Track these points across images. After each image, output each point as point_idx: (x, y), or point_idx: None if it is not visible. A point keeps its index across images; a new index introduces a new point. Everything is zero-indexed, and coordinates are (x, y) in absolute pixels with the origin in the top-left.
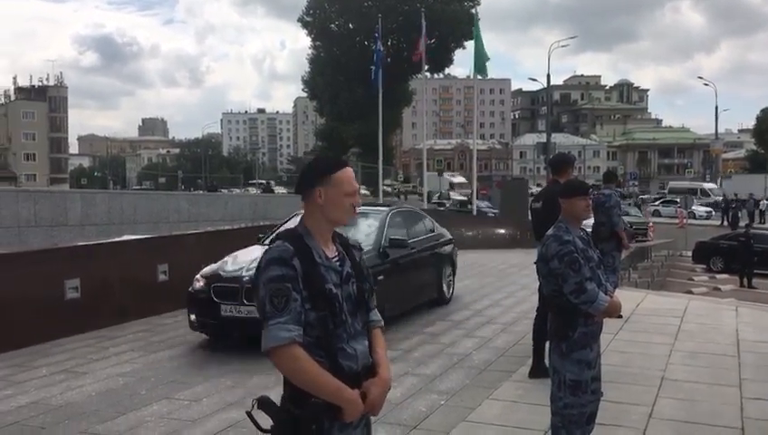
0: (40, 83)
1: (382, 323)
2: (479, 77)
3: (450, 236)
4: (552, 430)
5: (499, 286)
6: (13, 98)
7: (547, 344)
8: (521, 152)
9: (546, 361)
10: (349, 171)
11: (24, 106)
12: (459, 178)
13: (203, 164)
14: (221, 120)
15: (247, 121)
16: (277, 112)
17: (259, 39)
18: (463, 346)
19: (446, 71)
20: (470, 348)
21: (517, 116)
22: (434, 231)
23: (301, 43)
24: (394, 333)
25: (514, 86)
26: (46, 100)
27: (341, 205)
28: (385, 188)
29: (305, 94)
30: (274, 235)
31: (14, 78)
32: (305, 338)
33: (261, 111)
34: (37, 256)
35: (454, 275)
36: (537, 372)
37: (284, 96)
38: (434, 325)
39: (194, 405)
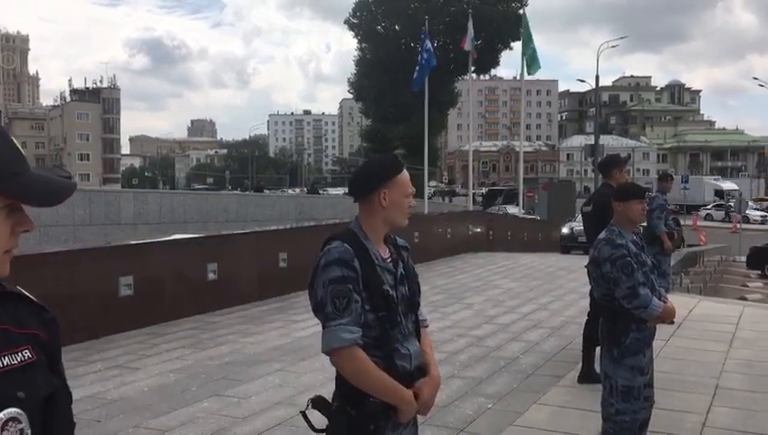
0: (94, 85)
1: (428, 322)
2: (528, 76)
3: None
4: None
5: (546, 290)
6: (68, 99)
7: (598, 349)
8: (568, 154)
9: (596, 366)
10: (407, 173)
11: (78, 107)
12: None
13: (250, 165)
14: (267, 122)
15: (293, 123)
16: (323, 114)
17: (305, 41)
18: (510, 350)
19: (493, 72)
20: (517, 352)
21: (564, 117)
22: None
23: (346, 44)
24: (439, 334)
25: (561, 87)
26: (100, 101)
27: (402, 206)
28: (430, 190)
29: (351, 96)
30: (331, 235)
31: (70, 80)
32: (364, 339)
33: (307, 112)
34: (93, 254)
35: None
36: (586, 377)
37: (330, 98)
38: (480, 328)
39: (243, 403)
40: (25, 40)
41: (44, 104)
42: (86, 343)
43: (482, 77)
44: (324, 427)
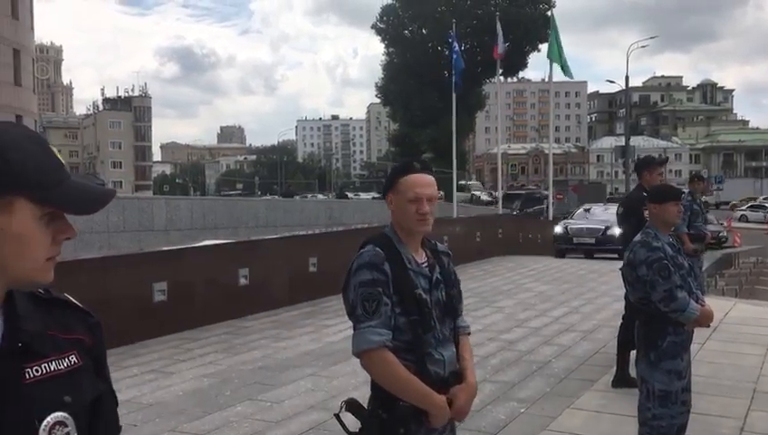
0: (125, 94)
1: (470, 329)
2: (563, 78)
3: None
4: None
5: (578, 293)
6: (101, 108)
7: (633, 353)
8: (598, 156)
9: (631, 370)
10: (412, 177)
11: (110, 116)
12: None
13: (278, 170)
14: (296, 127)
15: (321, 128)
16: (350, 119)
17: (332, 47)
18: (542, 354)
19: (520, 74)
20: (549, 356)
21: (594, 119)
22: None
23: (373, 49)
24: (470, 338)
25: (590, 88)
26: (131, 110)
27: (407, 212)
28: (459, 193)
29: (378, 100)
30: (365, 239)
31: (102, 89)
32: (394, 342)
33: (335, 117)
34: (128, 261)
35: None
36: (621, 381)
37: (357, 103)
38: (511, 332)
39: (276, 407)
40: (59, 51)
41: (78, 113)
42: (121, 348)
43: (510, 79)
44: (357, 430)
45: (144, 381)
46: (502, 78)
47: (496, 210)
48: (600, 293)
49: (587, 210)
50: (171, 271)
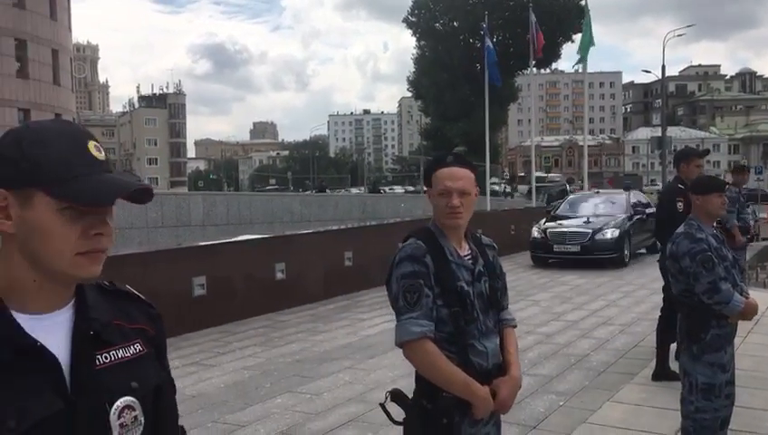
0: (160, 92)
1: (515, 322)
2: (579, 69)
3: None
4: (683, 434)
5: (615, 286)
6: (136, 106)
7: (673, 346)
8: (633, 147)
9: (670, 363)
10: (444, 170)
11: (146, 113)
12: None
13: (311, 165)
14: (327, 122)
15: (353, 123)
16: (382, 113)
17: (362, 41)
18: (580, 347)
19: (554, 65)
20: (587, 349)
21: (629, 110)
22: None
23: (404, 43)
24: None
25: (625, 79)
26: (166, 107)
27: (439, 205)
28: (492, 187)
29: (410, 94)
30: (408, 233)
31: (138, 87)
32: (437, 334)
33: (366, 111)
34: (168, 256)
35: None
36: (661, 374)
37: (388, 97)
38: (548, 325)
39: (315, 399)
40: (95, 49)
41: (114, 111)
42: None
43: (542, 71)
44: (402, 419)
45: (186, 373)
46: (535, 69)
47: (530, 203)
48: (637, 285)
49: (574, 203)
50: (210, 266)
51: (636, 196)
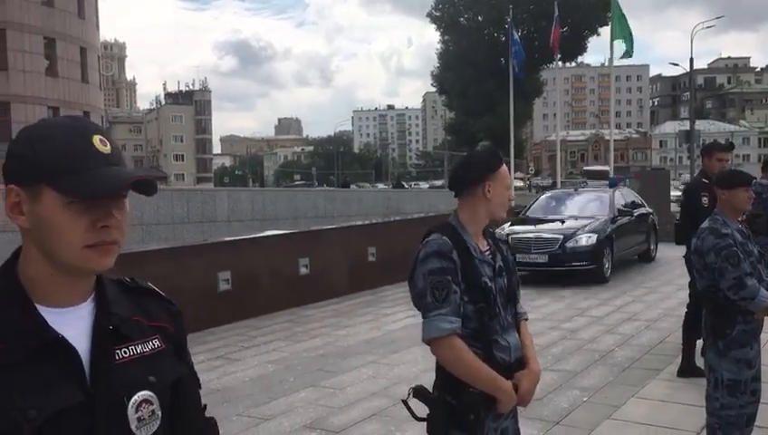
0: (186, 88)
1: (527, 316)
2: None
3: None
4: (708, 431)
5: (640, 281)
6: (163, 103)
7: (699, 342)
8: (661, 141)
9: (696, 359)
10: (504, 167)
11: (172, 110)
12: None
13: (335, 161)
14: (352, 118)
15: (377, 118)
16: (406, 108)
17: (386, 37)
18: (604, 343)
19: (579, 59)
20: (612, 345)
21: (656, 103)
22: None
23: (428, 38)
24: (531, 327)
25: (653, 72)
26: (192, 103)
27: (504, 199)
28: (517, 182)
29: (434, 89)
30: (430, 228)
31: (164, 84)
32: (463, 330)
33: (390, 107)
34: (193, 251)
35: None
36: (687, 370)
37: (412, 92)
38: (572, 321)
39: (339, 393)
40: (122, 47)
41: (141, 108)
42: (189, 336)
43: (568, 65)
44: (425, 416)
45: (211, 367)
46: (560, 63)
47: None
48: (663, 281)
49: (548, 203)
50: (235, 261)
51: (626, 194)
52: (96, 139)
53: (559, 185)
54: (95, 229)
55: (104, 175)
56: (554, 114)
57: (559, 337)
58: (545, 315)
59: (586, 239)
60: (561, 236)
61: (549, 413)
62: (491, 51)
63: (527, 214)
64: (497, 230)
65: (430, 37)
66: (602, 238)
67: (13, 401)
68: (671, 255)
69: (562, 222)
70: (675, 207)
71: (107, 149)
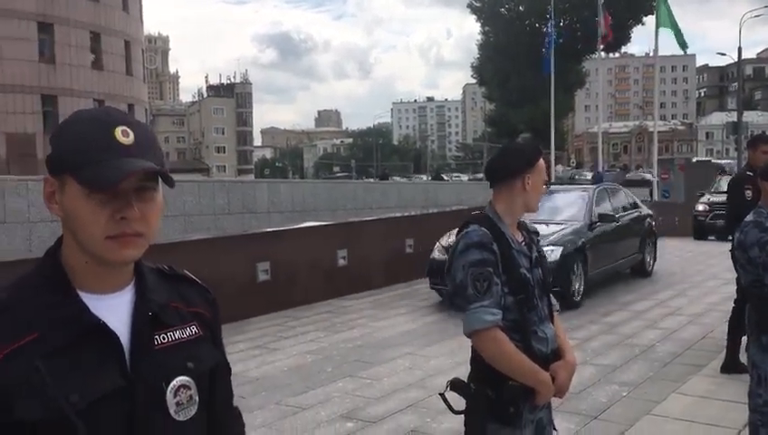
0: (227, 81)
1: (558, 307)
2: (659, 52)
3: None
4: (751, 428)
5: (684, 276)
6: (205, 96)
7: (744, 338)
8: (707, 133)
9: (741, 356)
10: (542, 160)
11: (214, 103)
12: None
13: (374, 153)
14: (391, 110)
15: (417, 110)
16: (446, 100)
17: (425, 28)
18: (645, 337)
19: (623, 49)
20: (653, 340)
21: (703, 94)
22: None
23: (467, 29)
24: (569, 322)
25: (699, 62)
26: (233, 96)
27: (540, 191)
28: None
29: (474, 81)
30: (466, 219)
31: (206, 77)
32: (503, 322)
33: (430, 99)
34: (234, 242)
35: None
36: (731, 366)
37: (452, 84)
38: (612, 315)
39: (375, 384)
40: (166, 41)
41: (184, 101)
42: (229, 325)
43: (611, 55)
44: (462, 408)
45: (251, 356)
46: (603, 54)
47: None
48: (708, 275)
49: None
50: (274, 252)
51: (613, 193)
52: (118, 130)
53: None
54: (115, 220)
55: (115, 166)
56: (597, 105)
57: (599, 331)
58: (588, 308)
59: (548, 254)
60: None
61: (587, 407)
62: (532, 41)
63: None
64: (441, 240)
65: (470, 28)
66: (570, 252)
67: (56, 385)
68: (718, 249)
69: None
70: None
71: (128, 140)
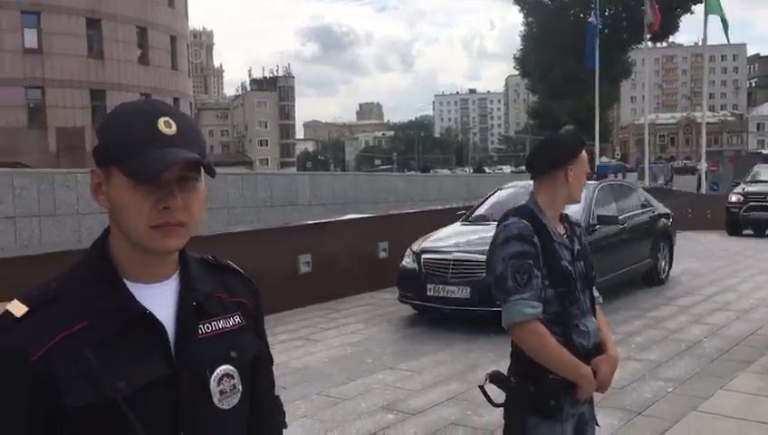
0: (270, 75)
1: (601, 299)
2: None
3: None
4: None
5: (733, 271)
6: (248, 89)
7: None
8: (758, 124)
9: None
10: (585, 152)
11: (257, 96)
12: None
13: (416, 145)
14: (433, 102)
15: (458, 102)
16: (488, 92)
17: (468, 20)
18: (691, 333)
19: (670, 38)
20: (699, 335)
21: (754, 84)
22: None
23: (511, 20)
24: (614, 315)
25: (750, 51)
26: (276, 89)
27: (581, 182)
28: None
29: (517, 72)
30: (507, 212)
31: (249, 71)
32: (543, 314)
33: (472, 91)
34: (276, 234)
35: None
36: None
37: (494, 75)
38: (658, 310)
39: (416, 376)
40: (210, 35)
41: (228, 95)
42: (271, 316)
43: (658, 45)
44: (502, 401)
45: (292, 347)
46: (650, 43)
47: (642, 183)
48: (758, 270)
49: (502, 203)
50: (315, 244)
51: (620, 191)
52: (161, 121)
53: (646, 171)
54: (158, 210)
55: (158, 157)
56: (643, 96)
57: (643, 326)
58: (629, 303)
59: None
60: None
61: (631, 403)
62: (576, 32)
63: (470, 219)
64: (413, 245)
65: (513, 19)
66: None
67: (104, 373)
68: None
69: None
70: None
71: (171, 130)
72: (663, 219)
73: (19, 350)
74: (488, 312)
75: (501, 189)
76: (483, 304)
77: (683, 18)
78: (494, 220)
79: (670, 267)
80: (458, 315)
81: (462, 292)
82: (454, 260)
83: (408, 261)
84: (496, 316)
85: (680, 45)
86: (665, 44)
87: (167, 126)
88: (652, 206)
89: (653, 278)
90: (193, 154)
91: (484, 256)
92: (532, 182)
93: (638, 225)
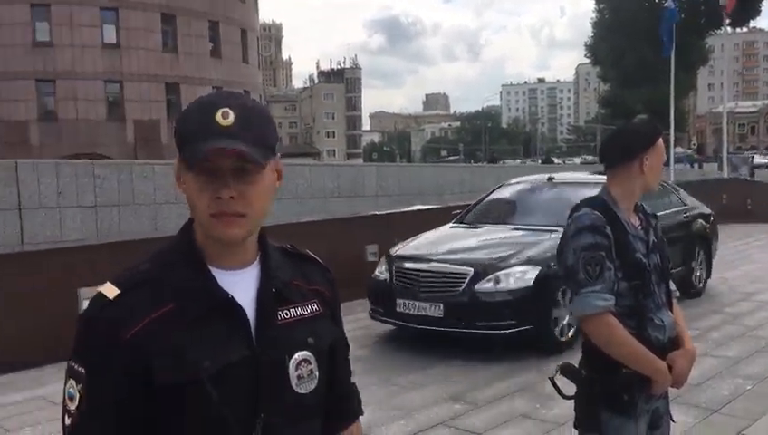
0: (337, 67)
1: (678, 293)
2: None
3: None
4: None
5: None
6: (316, 81)
7: None
8: None
9: None
10: (661, 140)
11: (324, 88)
12: None
13: (483, 136)
14: (500, 92)
15: (526, 92)
16: (557, 81)
17: (537, 8)
18: None
19: (751, 23)
20: None
21: None
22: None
23: (582, 7)
24: (691, 310)
25: None
26: (343, 81)
27: (659, 171)
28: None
29: (587, 60)
30: (579, 203)
31: (317, 63)
32: (616, 308)
33: (541, 80)
34: (344, 224)
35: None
36: None
37: (564, 64)
38: (736, 306)
39: (485, 366)
40: (279, 28)
41: (296, 87)
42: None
43: (738, 30)
44: (572, 394)
45: (360, 335)
46: (729, 29)
47: (720, 174)
48: None
49: (497, 204)
50: (382, 234)
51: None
52: (219, 112)
53: (725, 161)
54: (213, 199)
55: (201, 148)
56: (721, 84)
57: (721, 321)
58: (707, 298)
59: (516, 277)
60: (471, 271)
61: (707, 400)
62: (650, 17)
63: (464, 220)
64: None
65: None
66: (551, 274)
67: (192, 353)
68: None
69: (503, 239)
70: None
71: (227, 121)
72: (700, 221)
73: (114, 327)
74: (459, 334)
75: (503, 186)
76: (453, 324)
77: (765, 2)
78: (491, 222)
79: (708, 276)
80: (429, 334)
81: (434, 309)
82: (426, 271)
83: (381, 270)
84: (470, 337)
85: (761, 30)
86: (745, 29)
87: (224, 117)
88: (686, 205)
89: (687, 288)
90: (237, 145)
91: (464, 268)
92: (544, 177)
93: (666, 229)
